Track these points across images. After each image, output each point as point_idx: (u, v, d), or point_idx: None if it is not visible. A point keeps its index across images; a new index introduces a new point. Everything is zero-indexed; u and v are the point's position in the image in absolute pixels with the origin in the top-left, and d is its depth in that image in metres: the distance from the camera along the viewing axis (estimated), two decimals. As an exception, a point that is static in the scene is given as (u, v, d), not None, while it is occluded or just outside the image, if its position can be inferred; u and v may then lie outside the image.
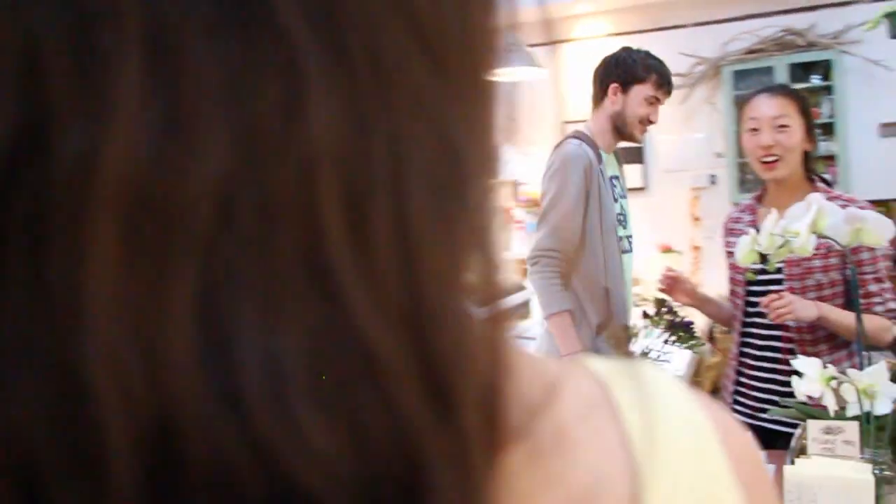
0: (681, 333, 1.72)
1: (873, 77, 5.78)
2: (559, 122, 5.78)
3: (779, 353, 2.10)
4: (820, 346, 2.06)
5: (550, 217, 2.43)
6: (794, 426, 1.48)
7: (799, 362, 1.39)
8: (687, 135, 6.16)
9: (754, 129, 2.15)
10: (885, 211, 5.40)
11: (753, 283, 2.12)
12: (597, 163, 2.53)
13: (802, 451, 1.54)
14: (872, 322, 2.05)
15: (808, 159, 2.19)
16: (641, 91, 2.63)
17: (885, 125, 5.87)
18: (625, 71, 2.65)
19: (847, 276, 2.04)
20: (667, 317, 1.71)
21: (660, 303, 1.77)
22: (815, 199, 1.61)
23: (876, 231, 1.56)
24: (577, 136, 2.62)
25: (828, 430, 1.29)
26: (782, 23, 5.94)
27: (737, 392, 2.21)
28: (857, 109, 5.78)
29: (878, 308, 2.06)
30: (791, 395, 1.55)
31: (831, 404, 1.33)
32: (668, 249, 6.10)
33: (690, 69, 6.17)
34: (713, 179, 6.22)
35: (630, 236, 2.63)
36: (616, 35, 6.44)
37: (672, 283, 2.12)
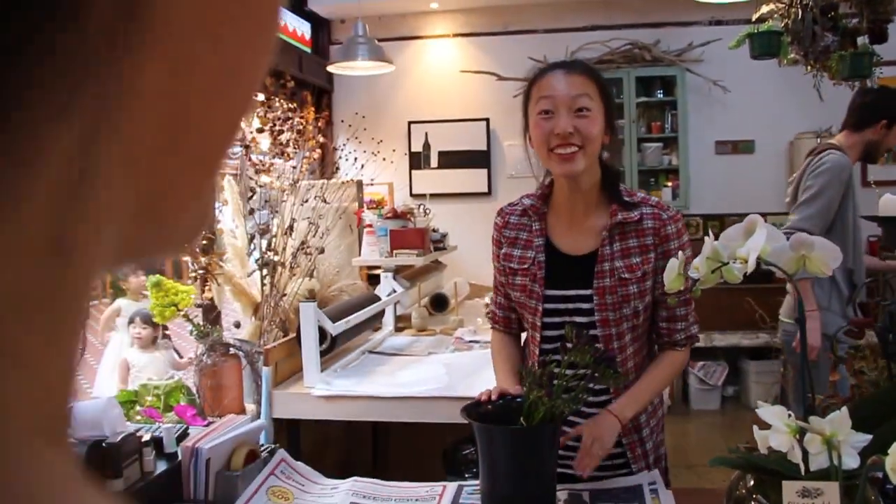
0: (604, 369, 1.50)
1: (711, 96, 5.99)
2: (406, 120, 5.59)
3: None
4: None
5: (813, 205, 3.16)
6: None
7: (763, 411, 1.22)
8: (533, 141, 6.11)
9: (547, 112, 1.70)
10: (720, 226, 5.60)
11: (551, 314, 1.78)
12: (851, 174, 3.19)
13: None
14: (674, 366, 1.88)
15: (602, 154, 1.81)
16: None
17: (720, 143, 6.10)
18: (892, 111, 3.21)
19: (656, 298, 1.79)
20: (589, 349, 1.49)
21: (577, 332, 1.54)
22: (759, 220, 1.44)
23: (823, 258, 1.42)
24: (837, 147, 3.27)
25: (805, 493, 1.12)
26: (630, 36, 6.04)
27: None
28: (696, 126, 5.97)
29: (680, 336, 1.82)
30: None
31: (800, 459, 1.16)
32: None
33: (539, 75, 6.13)
34: (558, 187, 6.22)
35: None
36: (465, 35, 6.32)
37: None
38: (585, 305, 1.77)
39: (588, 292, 1.76)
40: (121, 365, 4.22)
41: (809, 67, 3.58)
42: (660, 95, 5.97)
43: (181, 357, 4.44)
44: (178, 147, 0.22)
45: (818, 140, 5.69)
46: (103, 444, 1.53)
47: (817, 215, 3.14)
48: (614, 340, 1.78)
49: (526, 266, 1.81)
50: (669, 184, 5.98)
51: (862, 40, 3.46)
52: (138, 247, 0.23)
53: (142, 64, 0.20)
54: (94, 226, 0.20)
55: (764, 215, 1.53)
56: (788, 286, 3.46)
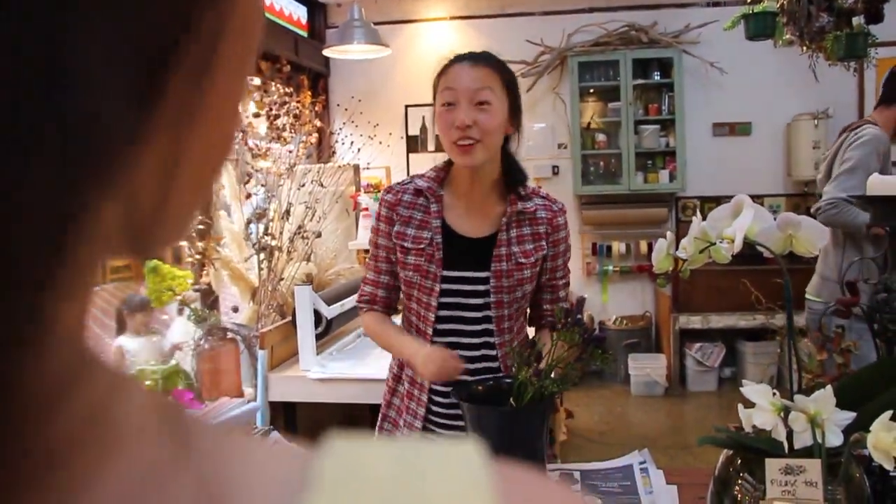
0: (593, 349, 1.51)
1: (708, 78, 5.98)
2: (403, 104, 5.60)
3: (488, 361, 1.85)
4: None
5: (853, 176, 3.20)
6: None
7: (747, 389, 1.23)
8: (530, 124, 6.10)
9: (450, 104, 1.76)
10: (715, 208, 5.59)
11: (446, 294, 1.80)
12: (889, 148, 3.33)
13: (724, 484, 1.39)
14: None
15: (507, 144, 1.86)
16: None
17: (717, 125, 6.09)
18: None
19: (542, 283, 1.89)
20: (578, 330, 1.50)
21: (566, 312, 1.55)
22: (746, 200, 1.45)
23: (810, 237, 1.42)
24: (873, 122, 3.39)
25: (787, 470, 1.13)
26: (626, 18, 6.01)
27: (430, 423, 1.90)
28: (693, 108, 5.96)
29: (550, 319, 1.89)
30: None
31: (784, 437, 1.17)
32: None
33: (536, 58, 6.12)
34: (556, 170, 6.21)
35: None
36: (462, 18, 6.29)
37: None
38: (481, 287, 1.82)
39: (485, 274, 1.81)
40: (115, 352, 4.23)
41: (805, 48, 3.56)
42: (657, 77, 5.95)
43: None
44: (183, 167, 0.26)
45: (815, 122, 5.68)
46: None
47: (858, 186, 3.16)
48: (505, 321, 1.85)
49: (422, 246, 1.83)
50: (667, 166, 5.97)
51: (857, 20, 3.45)
52: (130, 247, 0.26)
53: (208, 78, 0.26)
54: (117, 214, 0.23)
55: (761, 197, 1.54)
56: (819, 263, 3.49)
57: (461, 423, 1.75)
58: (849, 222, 3.26)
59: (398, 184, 1.93)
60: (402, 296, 1.93)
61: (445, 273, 1.82)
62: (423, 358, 1.70)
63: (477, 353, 1.84)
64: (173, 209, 0.26)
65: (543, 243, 1.86)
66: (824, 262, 3.47)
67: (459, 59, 1.81)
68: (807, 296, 3.50)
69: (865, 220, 3.10)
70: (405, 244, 1.84)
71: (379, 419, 2.05)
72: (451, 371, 1.67)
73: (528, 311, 2.00)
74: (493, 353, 1.85)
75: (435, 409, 1.88)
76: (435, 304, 1.83)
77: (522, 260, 1.82)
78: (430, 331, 1.85)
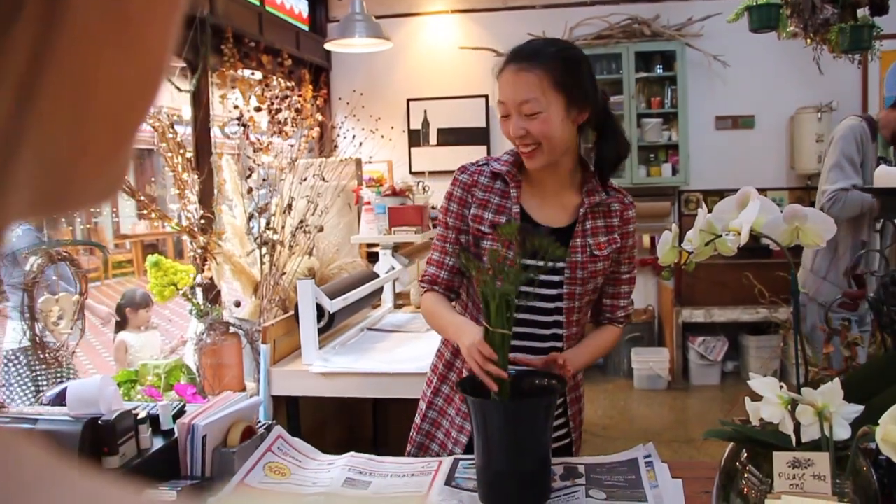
0: (548, 244, 1.53)
1: (711, 71, 5.95)
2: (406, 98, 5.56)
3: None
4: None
5: (842, 170, 3.29)
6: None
7: (755, 382, 1.22)
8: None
9: (505, 115, 1.73)
10: (719, 201, 5.58)
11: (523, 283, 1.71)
12: (870, 140, 3.33)
13: (730, 477, 1.38)
14: (613, 339, 1.92)
15: (591, 125, 1.79)
16: None
17: (720, 118, 6.07)
18: None
19: (607, 276, 1.86)
20: (514, 225, 1.51)
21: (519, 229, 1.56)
22: (753, 192, 1.44)
23: (817, 229, 1.41)
24: (866, 117, 3.43)
25: (795, 464, 1.12)
26: (629, 11, 5.99)
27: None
28: (696, 101, 5.94)
29: (621, 314, 1.90)
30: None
31: (791, 430, 1.16)
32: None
33: (539, 51, 6.09)
34: (558, 164, 6.19)
35: None
36: (463, 11, 6.27)
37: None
38: (556, 278, 1.78)
39: (560, 265, 1.77)
40: (118, 346, 4.23)
41: (809, 40, 3.54)
42: (659, 71, 5.93)
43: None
44: (92, 108, 0.23)
45: (819, 115, 5.66)
46: (99, 422, 1.54)
47: (850, 176, 3.27)
48: (575, 313, 1.81)
49: None
50: (669, 160, 5.95)
51: (862, 12, 3.43)
52: (52, 201, 0.24)
53: (63, 19, 0.22)
54: (15, 173, 0.21)
55: (764, 190, 1.52)
56: (804, 257, 3.52)
57: None
58: (856, 207, 3.31)
59: (473, 164, 1.87)
60: (465, 281, 1.89)
61: (523, 261, 1.79)
62: (468, 348, 1.58)
63: (546, 346, 1.80)
64: (90, 152, 0.24)
65: (616, 236, 1.82)
66: (805, 254, 3.51)
67: (508, 61, 1.73)
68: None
69: (870, 201, 3.15)
70: (482, 228, 1.79)
71: (418, 419, 1.96)
72: (491, 370, 1.53)
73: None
74: (560, 345, 1.81)
75: None
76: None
77: (597, 252, 1.79)
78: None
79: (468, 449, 1.83)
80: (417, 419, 1.98)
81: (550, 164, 1.74)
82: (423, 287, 1.90)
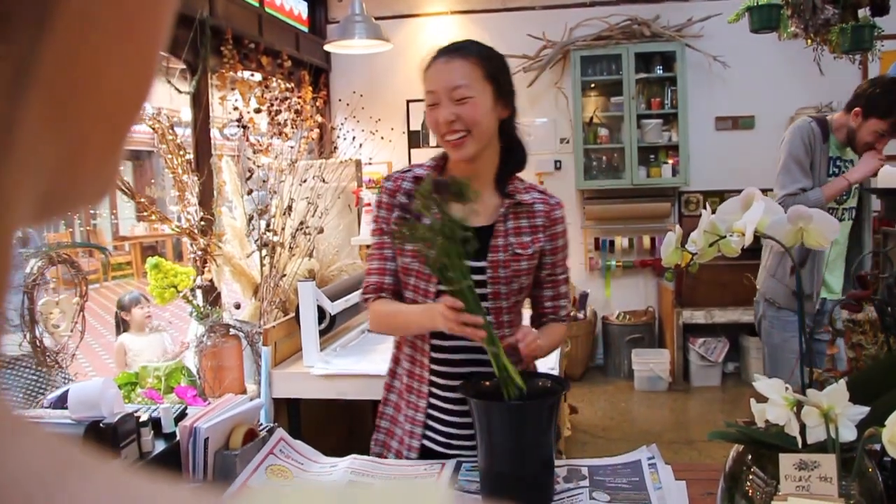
0: (459, 186, 1.54)
1: (711, 71, 5.95)
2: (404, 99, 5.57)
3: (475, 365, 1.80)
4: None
5: (788, 172, 3.24)
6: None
7: (760, 384, 1.21)
8: (532, 119, 6.08)
9: (433, 104, 1.77)
10: (719, 202, 5.58)
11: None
12: (821, 140, 3.24)
13: (734, 479, 1.37)
14: (563, 334, 1.96)
15: (507, 129, 1.83)
16: (876, 125, 3.14)
17: (720, 119, 6.07)
18: (869, 103, 3.15)
19: (541, 278, 1.88)
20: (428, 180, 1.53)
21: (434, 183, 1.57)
22: (756, 193, 1.43)
23: (821, 230, 1.40)
24: (818, 118, 3.33)
25: (802, 466, 1.12)
26: (629, 12, 5.98)
27: (431, 417, 1.86)
28: (696, 102, 5.93)
29: (563, 313, 1.93)
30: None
31: (797, 432, 1.16)
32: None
33: (538, 52, 6.09)
34: (558, 165, 6.19)
35: (848, 209, 3.30)
36: (463, 12, 6.27)
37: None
38: (479, 277, 1.78)
39: (482, 264, 1.79)
40: (118, 349, 4.23)
41: (809, 41, 3.54)
42: (659, 71, 5.93)
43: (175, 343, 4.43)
44: (91, 105, 0.24)
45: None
46: (100, 425, 1.53)
47: (797, 179, 3.22)
48: (504, 314, 1.83)
49: None
50: (669, 160, 5.95)
51: (863, 12, 3.43)
52: (57, 202, 0.24)
53: (53, 24, 0.22)
54: (17, 181, 0.21)
55: (765, 191, 1.52)
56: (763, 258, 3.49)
57: (464, 409, 1.74)
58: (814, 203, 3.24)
59: (397, 172, 1.92)
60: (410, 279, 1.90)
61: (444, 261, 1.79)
62: (440, 314, 1.61)
63: (477, 344, 1.81)
64: (88, 152, 0.24)
65: (541, 236, 1.85)
66: (763, 252, 3.50)
67: (437, 55, 1.80)
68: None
69: (819, 199, 3.12)
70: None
71: (377, 417, 2.01)
72: (467, 319, 1.58)
73: (531, 309, 1.98)
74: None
75: (434, 402, 1.86)
76: (434, 290, 1.80)
77: (519, 251, 1.81)
78: (428, 337, 1.83)
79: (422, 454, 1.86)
80: (378, 418, 2.01)
81: (474, 157, 1.77)
82: (368, 297, 1.90)
